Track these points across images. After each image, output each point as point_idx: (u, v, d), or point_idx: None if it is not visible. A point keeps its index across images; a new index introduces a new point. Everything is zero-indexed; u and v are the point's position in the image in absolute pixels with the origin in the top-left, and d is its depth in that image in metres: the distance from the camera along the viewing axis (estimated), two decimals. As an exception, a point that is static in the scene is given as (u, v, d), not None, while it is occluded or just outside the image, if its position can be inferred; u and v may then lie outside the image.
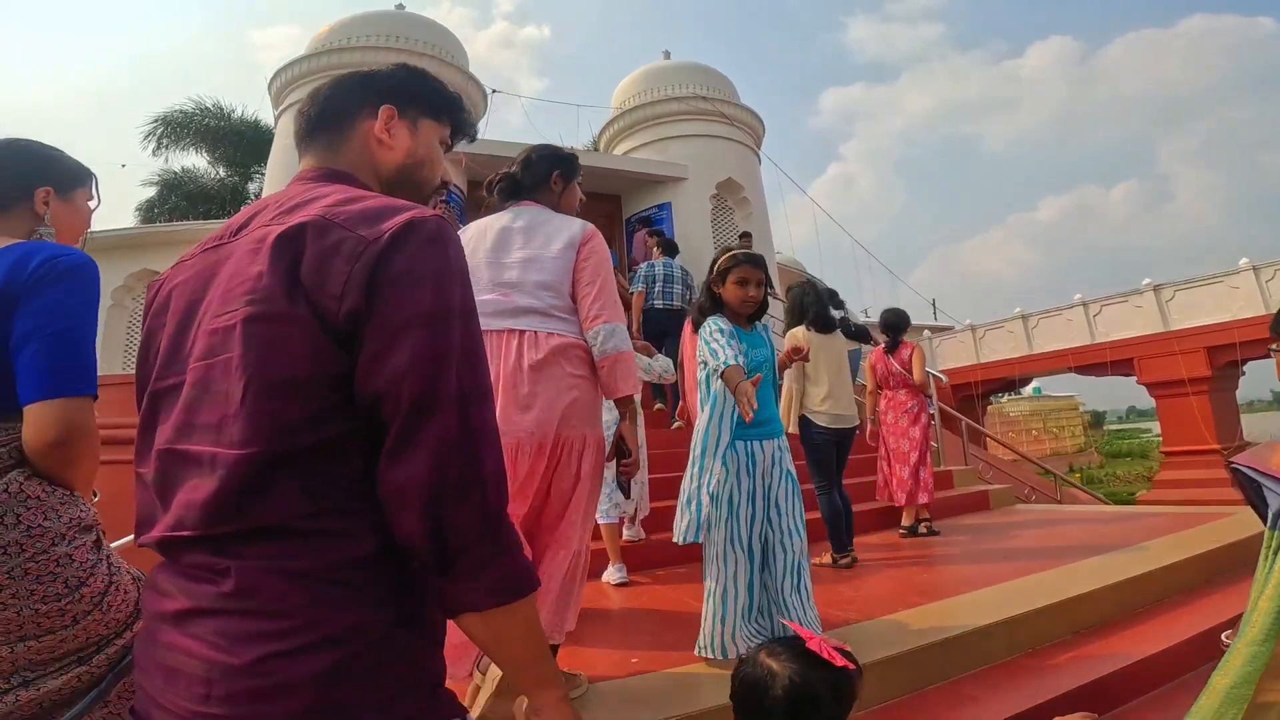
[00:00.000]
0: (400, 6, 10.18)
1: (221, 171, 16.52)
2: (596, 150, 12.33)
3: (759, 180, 11.36)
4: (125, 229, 9.81)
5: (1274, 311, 1.90)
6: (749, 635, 2.21)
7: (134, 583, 1.19)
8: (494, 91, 10.40)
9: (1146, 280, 13.11)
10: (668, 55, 12.12)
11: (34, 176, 1.28)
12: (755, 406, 2.03)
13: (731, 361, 2.19)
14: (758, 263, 2.46)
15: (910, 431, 4.71)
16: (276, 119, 9.82)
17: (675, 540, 2.27)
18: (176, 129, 15.71)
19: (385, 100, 0.97)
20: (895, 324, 4.88)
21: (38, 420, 1.05)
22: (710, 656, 2.21)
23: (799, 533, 2.31)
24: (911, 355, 4.76)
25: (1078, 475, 20.72)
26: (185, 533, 0.72)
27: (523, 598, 0.75)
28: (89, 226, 1.38)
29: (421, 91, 1.02)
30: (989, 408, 19.53)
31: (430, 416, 0.71)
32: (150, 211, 16.26)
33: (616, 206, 10.48)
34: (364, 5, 10.06)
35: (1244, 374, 12.73)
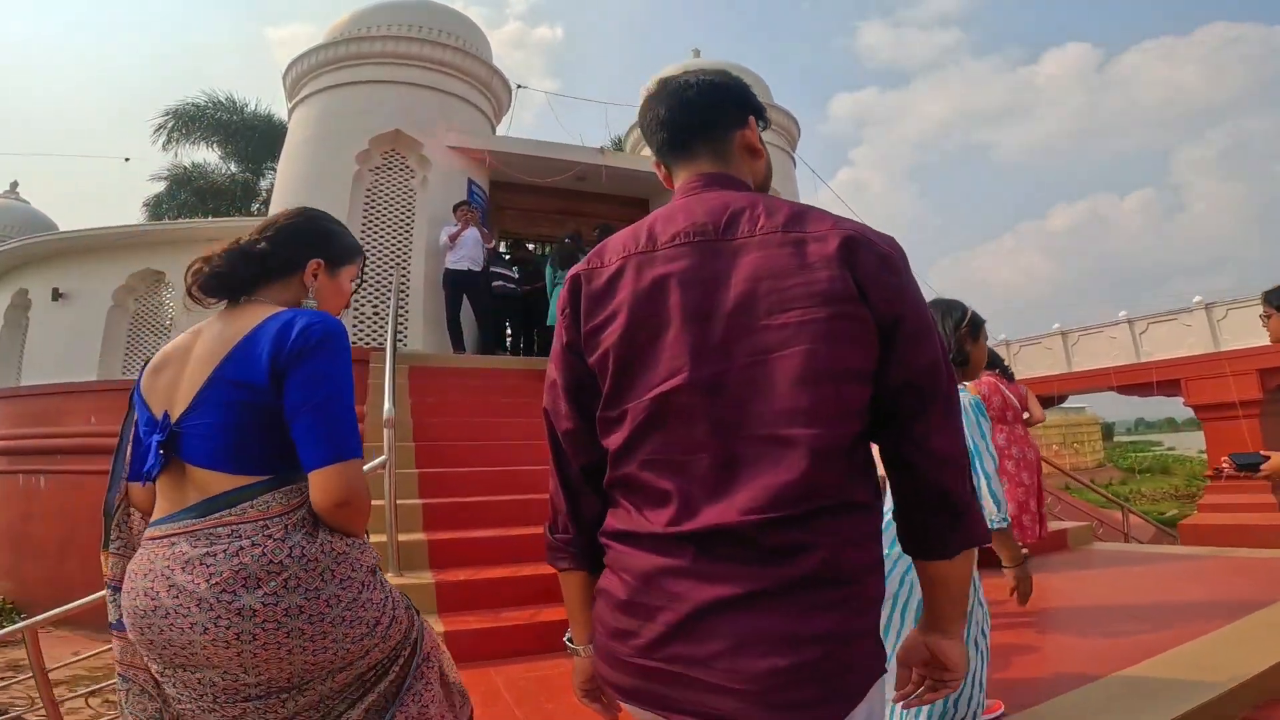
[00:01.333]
0: (423, -5, 9.75)
1: (233, 167, 16.11)
2: (621, 150, 11.87)
3: (794, 185, 10.86)
4: (130, 226, 9.05)
5: None
6: None
7: (406, 611, 1.27)
8: (520, 87, 9.95)
9: (1197, 298, 12.53)
10: (698, 53, 11.67)
11: (312, 248, 1.35)
12: None
13: (1004, 522, 1.79)
14: None
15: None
16: (291, 112, 9.32)
17: None
18: (187, 122, 15.30)
19: (749, 112, 1.02)
20: (994, 356, 4.50)
21: (324, 485, 1.14)
22: None
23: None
24: (1026, 391, 4.34)
25: (1101, 493, 20.12)
26: (764, 516, 0.79)
27: (984, 543, 0.92)
28: (348, 305, 1.44)
29: (756, 100, 1.05)
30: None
31: (955, 399, 0.89)
32: (158, 207, 15.83)
33: (643, 210, 9.99)
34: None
35: (1294, 396, 12.25)
